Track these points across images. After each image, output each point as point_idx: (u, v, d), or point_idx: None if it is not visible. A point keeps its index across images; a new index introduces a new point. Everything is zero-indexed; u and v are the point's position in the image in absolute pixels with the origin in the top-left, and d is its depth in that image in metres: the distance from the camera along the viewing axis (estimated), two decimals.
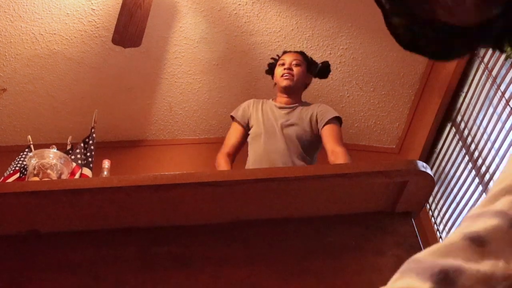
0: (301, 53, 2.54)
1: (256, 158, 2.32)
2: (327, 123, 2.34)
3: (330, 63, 2.64)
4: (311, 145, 2.36)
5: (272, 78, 2.57)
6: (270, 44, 3.24)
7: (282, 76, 2.43)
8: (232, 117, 2.49)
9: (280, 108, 2.43)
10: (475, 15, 0.59)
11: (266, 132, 2.34)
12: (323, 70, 2.58)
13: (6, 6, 2.98)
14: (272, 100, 2.52)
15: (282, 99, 2.46)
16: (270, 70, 2.61)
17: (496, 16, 0.59)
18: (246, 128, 2.44)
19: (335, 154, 2.22)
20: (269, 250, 1.50)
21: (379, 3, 0.64)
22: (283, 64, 2.47)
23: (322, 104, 2.50)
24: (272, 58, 2.64)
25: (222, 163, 2.30)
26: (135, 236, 1.55)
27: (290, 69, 2.43)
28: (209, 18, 3.12)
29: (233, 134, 2.43)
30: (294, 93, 2.46)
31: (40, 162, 1.86)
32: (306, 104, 2.48)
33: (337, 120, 2.40)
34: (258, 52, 3.27)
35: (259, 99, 2.56)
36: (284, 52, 2.55)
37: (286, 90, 2.43)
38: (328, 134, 2.32)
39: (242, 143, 2.44)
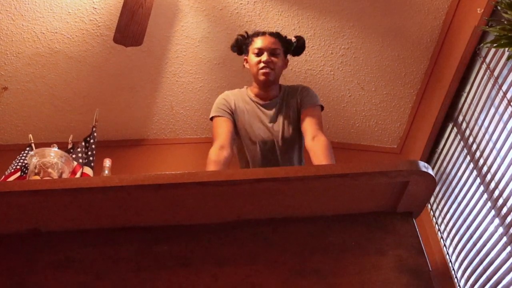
0: (278, 36, 2.26)
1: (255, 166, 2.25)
2: (308, 106, 2.19)
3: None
4: (300, 138, 2.24)
5: (238, 54, 2.32)
6: None
7: (260, 70, 2.19)
8: (213, 118, 2.25)
9: (264, 106, 2.25)
10: None
11: (261, 143, 2.22)
12: (298, 48, 2.32)
13: (7, 4, 2.98)
14: (247, 89, 2.31)
15: (261, 92, 2.26)
16: (237, 47, 2.32)
17: None
18: (233, 117, 2.23)
19: (318, 141, 2.06)
20: (269, 250, 1.50)
21: None
22: (259, 53, 2.21)
23: (304, 88, 2.29)
24: (239, 35, 2.32)
25: (211, 157, 2.07)
26: (136, 235, 1.55)
27: (268, 61, 2.19)
28: (211, 17, 3.12)
29: (222, 126, 2.19)
30: (274, 84, 2.25)
31: (41, 161, 1.86)
32: (287, 91, 2.29)
33: (320, 106, 2.24)
34: None
35: (232, 90, 2.34)
36: (257, 34, 2.26)
37: (265, 85, 2.23)
38: (308, 118, 2.14)
39: (234, 132, 2.23)
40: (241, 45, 2.31)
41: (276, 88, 2.28)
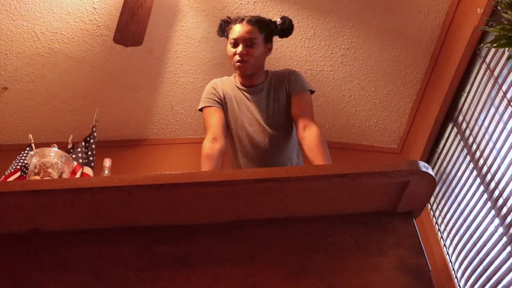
0: (256, 22, 2.14)
1: (248, 159, 2.22)
2: (297, 93, 2.15)
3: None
4: (290, 125, 2.20)
5: (226, 38, 2.22)
6: None
7: (235, 63, 2.13)
8: (202, 108, 2.21)
9: (250, 93, 2.20)
10: None
11: (250, 130, 2.19)
12: (285, 30, 2.23)
13: (7, 4, 2.98)
14: (235, 77, 2.26)
15: (244, 81, 2.22)
16: (222, 31, 2.24)
17: None
18: (222, 106, 2.20)
19: (311, 133, 2.02)
20: (269, 250, 1.50)
21: None
22: (234, 44, 2.13)
23: (291, 73, 2.23)
24: (222, 20, 2.24)
25: (205, 151, 2.04)
26: (135, 235, 1.55)
27: (243, 54, 2.10)
28: (211, 17, 3.12)
29: (213, 116, 2.15)
30: (256, 73, 2.19)
31: (41, 161, 1.86)
32: (274, 77, 2.23)
33: (309, 91, 2.18)
34: None
35: (220, 78, 2.30)
36: (235, 21, 2.16)
37: (244, 76, 2.19)
38: (299, 106, 2.10)
39: (225, 121, 2.20)
40: (224, 30, 2.23)
41: (260, 76, 2.22)
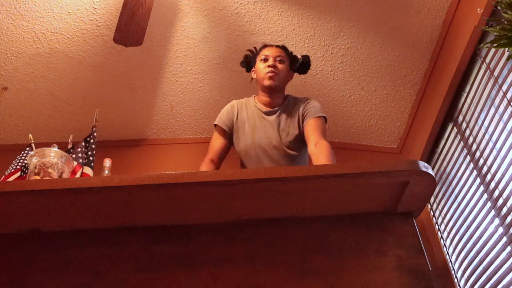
0: (284, 48, 2.40)
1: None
2: (312, 117, 2.24)
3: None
4: (303, 147, 2.29)
5: (247, 71, 2.44)
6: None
7: (266, 74, 2.28)
8: (215, 125, 2.37)
9: (266, 113, 2.32)
10: None
11: (259, 149, 2.26)
12: (304, 66, 2.44)
13: (7, 4, 2.98)
14: (254, 98, 2.40)
15: (266, 99, 2.34)
16: (246, 63, 2.44)
17: None
18: (230, 132, 2.34)
19: (320, 146, 2.10)
20: (269, 250, 1.50)
21: None
22: (265, 60, 2.32)
23: (308, 100, 2.35)
24: (248, 50, 2.46)
25: (203, 167, 2.25)
26: (135, 235, 1.55)
27: (274, 66, 2.29)
28: (211, 17, 3.12)
29: (217, 140, 2.33)
30: (278, 92, 2.33)
31: (41, 161, 1.86)
32: (291, 101, 2.36)
33: (323, 117, 2.29)
34: None
35: (240, 99, 2.44)
36: (265, 46, 2.40)
37: (270, 90, 2.31)
38: (312, 127, 2.20)
39: (228, 148, 2.34)
40: (249, 60, 2.43)
41: (280, 97, 2.35)
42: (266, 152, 2.26)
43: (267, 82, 2.29)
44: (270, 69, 2.28)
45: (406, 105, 3.50)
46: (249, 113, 2.34)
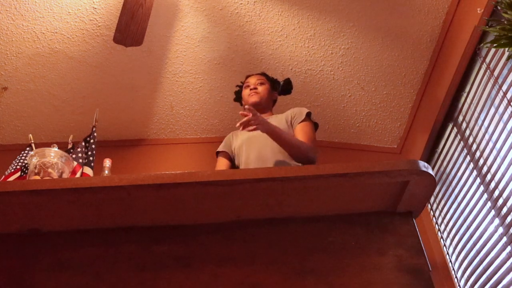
0: (263, 74, 2.67)
1: (247, 162, 2.30)
2: (301, 121, 2.36)
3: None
4: None
5: (241, 105, 2.65)
6: (272, 44, 3.23)
7: (249, 95, 2.52)
8: (217, 153, 2.51)
9: None
10: None
11: (251, 137, 2.34)
12: (285, 87, 2.69)
13: (7, 4, 2.98)
14: None
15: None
16: (238, 97, 2.70)
17: None
18: (232, 155, 2.46)
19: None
20: (269, 250, 1.50)
21: None
22: (248, 86, 2.58)
23: (298, 107, 2.51)
24: (237, 86, 2.73)
25: None
26: (135, 235, 1.55)
27: (255, 88, 2.54)
28: (211, 17, 3.12)
29: (221, 162, 2.46)
30: (264, 108, 2.52)
31: (41, 161, 1.86)
32: (279, 113, 2.52)
33: (312, 123, 2.41)
34: (260, 51, 3.27)
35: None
36: (247, 76, 2.66)
37: (255, 107, 2.39)
38: (300, 132, 2.31)
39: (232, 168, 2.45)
40: (240, 94, 2.66)
41: (267, 114, 2.52)
42: (265, 140, 2.25)
43: (250, 100, 2.50)
44: (251, 91, 2.53)
45: (406, 105, 3.50)
46: (243, 134, 2.45)
